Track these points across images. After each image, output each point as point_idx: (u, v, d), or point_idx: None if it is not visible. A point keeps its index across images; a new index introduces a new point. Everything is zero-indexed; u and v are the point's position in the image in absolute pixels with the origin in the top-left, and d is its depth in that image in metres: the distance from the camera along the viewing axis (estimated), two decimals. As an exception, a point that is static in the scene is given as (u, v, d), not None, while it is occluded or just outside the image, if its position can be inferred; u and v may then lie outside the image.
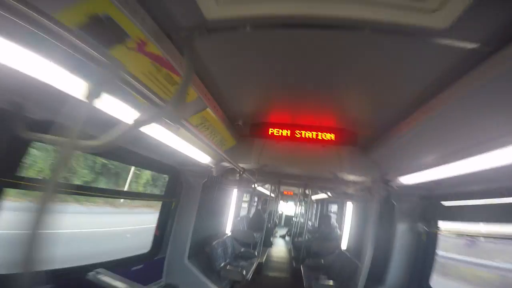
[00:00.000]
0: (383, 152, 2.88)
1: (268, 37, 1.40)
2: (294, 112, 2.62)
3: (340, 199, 6.81)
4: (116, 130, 1.09)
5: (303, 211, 10.51)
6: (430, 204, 3.20)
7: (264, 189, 8.44)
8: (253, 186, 6.56)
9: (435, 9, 1.05)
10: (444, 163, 2.03)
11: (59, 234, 6.31)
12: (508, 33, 1.09)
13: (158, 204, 3.83)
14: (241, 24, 1.23)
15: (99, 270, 2.29)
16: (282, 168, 4.02)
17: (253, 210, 10.22)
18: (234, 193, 6.66)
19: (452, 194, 2.78)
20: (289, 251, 8.07)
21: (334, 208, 9.44)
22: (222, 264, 4.88)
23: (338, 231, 6.50)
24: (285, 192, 12.69)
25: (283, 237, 11.78)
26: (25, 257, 0.75)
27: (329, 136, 2.72)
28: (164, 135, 2.17)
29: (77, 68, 1.21)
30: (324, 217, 6.84)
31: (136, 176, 15.10)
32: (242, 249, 6.01)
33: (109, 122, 1.35)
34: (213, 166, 3.70)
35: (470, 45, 1.18)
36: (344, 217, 6.20)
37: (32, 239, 0.75)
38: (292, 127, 2.80)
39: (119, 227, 9.45)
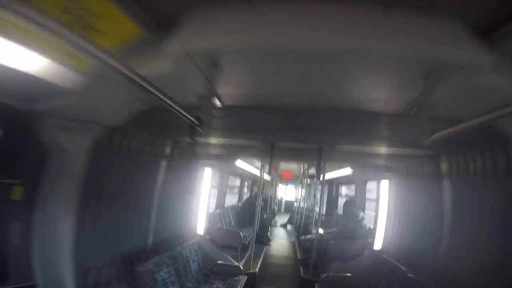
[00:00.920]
0: None
1: None
2: None
3: (369, 176, 4.60)
4: None
5: (304, 194, 8.39)
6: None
7: (256, 169, 6.20)
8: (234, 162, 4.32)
9: None
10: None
11: None
12: None
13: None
14: None
15: None
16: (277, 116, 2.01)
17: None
18: (206, 173, 4.37)
19: None
20: (294, 250, 5.96)
21: (350, 191, 7.22)
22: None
23: (367, 223, 4.30)
24: (283, 175, 10.70)
25: (284, 226, 9.71)
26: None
27: None
28: None
29: None
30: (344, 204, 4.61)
31: None
32: (219, 262, 3.79)
33: None
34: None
35: None
36: (378, 202, 3.97)
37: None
38: None
39: None
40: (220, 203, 5.96)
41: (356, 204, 4.45)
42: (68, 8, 0.97)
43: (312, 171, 6.66)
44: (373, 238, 3.92)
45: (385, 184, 3.92)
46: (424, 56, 1.05)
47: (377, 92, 1.53)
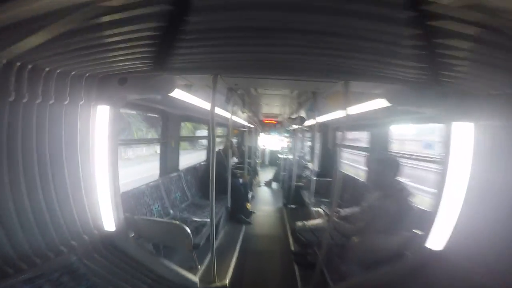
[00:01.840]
0: None
1: None
2: None
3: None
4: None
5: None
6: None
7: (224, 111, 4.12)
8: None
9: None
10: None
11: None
12: None
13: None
14: None
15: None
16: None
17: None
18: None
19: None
20: (283, 225, 4.38)
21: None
22: None
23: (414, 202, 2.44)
24: (265, 121, 8.77)
25: (268, 184, 8.17)
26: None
27: None
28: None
29: None
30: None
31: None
32: (159, 273, 1.92)
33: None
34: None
35: None
36: (447, 164, 2.07)
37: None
38: None
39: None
40: (169, 166, 3.95)
41: (398, 165, 2.42)
42: None
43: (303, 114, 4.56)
44: (422, 227, 2.15)
45: (459, 130, 1.97)
46: None
47: None
